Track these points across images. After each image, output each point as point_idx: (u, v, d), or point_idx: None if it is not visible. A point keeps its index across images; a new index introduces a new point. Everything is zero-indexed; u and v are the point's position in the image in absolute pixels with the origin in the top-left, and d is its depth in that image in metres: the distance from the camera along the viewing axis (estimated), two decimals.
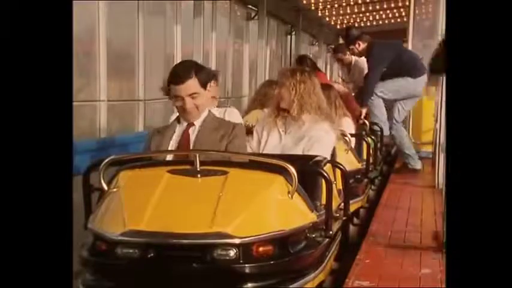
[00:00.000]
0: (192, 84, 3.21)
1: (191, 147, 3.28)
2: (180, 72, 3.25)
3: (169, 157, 3.26)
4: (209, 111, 3.39)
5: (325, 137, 3.93)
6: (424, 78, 6.95)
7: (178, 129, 3.37)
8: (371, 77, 6.94)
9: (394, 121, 7.20)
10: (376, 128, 6.60)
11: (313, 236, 2.94)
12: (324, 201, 3.13)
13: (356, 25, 16.49)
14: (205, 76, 3.28)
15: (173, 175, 2.87)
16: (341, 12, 14.73)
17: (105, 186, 2.89)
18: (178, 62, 8.10)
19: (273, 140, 4.05)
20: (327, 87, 5.80)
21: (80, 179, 3.04)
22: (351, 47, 7.14)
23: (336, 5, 13.90)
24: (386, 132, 6.91)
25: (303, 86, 3.99)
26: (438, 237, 4.10)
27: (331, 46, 19.04)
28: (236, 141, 3.30)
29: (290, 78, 4.01)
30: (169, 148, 3.32)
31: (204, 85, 3.26)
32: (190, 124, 3.35)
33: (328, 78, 18.15)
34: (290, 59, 14.41)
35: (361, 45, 7.03)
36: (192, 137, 3.32)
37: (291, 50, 14.60)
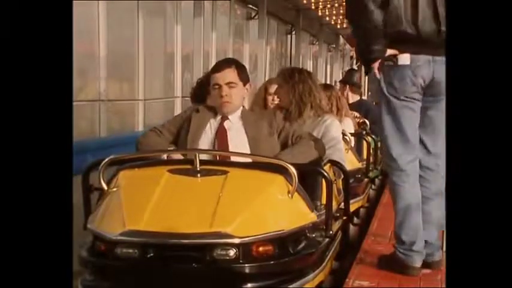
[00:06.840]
0: (230, 72, 3.33)
1: (228, 143, 3.29)
2: (220, 62, 3.47)
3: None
4: (243, 107, 3.44)
5: (330, 126, 3.99)
6: None
7: (213, 123, 3.36)
8: None
9: None
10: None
11: (313, 235, 2.94)
12: (324, 201, 3.13)
13: None
14: (245, 73, 3.41)
15: (173, 175, 2.86)
16: (341, 11, 14.70)
17: (104, 186, 2.88)
18: (178, 62, 8.20)
19: None
20: (328, 88, 5.80)
21: (79, 179, 3.03)
22: None
23: (336, 5, 13.88)
24: None
25: (301, 86, 4.02)
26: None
27: (331, 45, 19.07)
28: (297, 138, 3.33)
29: (289, 79, 4.03)
30: (201, 141, 3.30)
31: (241, 79, 3.35)
32: (225, 118, 3.35)
33: (328, 79, 18.20)
34: (290, 59, 14.42)
35: None
36: (230, 133, 3.32)
37: (291, 49, 14.61)
